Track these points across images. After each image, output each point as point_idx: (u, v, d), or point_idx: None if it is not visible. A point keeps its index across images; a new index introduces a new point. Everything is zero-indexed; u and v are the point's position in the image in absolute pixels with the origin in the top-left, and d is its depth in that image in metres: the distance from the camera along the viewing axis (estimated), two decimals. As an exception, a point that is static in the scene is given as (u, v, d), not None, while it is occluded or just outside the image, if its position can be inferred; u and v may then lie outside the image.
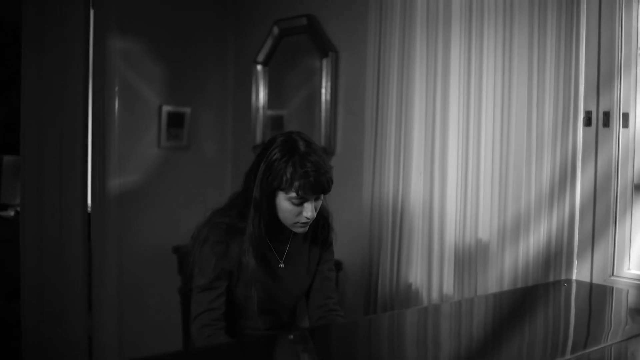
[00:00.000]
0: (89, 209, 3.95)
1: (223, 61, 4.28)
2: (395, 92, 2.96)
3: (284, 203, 2.01)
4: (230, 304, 2.12)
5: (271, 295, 2.14)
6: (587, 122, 2.44)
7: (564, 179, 2.45)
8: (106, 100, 3.79)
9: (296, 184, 1.96)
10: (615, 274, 2.42)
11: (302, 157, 1.97)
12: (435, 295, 2.85)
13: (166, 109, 4.01)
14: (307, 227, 2.10)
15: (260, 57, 3.95)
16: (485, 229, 2.67)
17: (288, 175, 1.96)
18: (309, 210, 2.02)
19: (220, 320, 2.06)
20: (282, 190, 1.99)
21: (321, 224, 2.23)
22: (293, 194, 1.98)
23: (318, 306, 2.24)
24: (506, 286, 2.58)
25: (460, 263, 2.76)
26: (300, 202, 2.00)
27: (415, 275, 2.93)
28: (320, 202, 2.08)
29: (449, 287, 2.82)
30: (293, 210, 2.02)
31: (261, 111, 4.01)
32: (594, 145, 2.43)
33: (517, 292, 2.47)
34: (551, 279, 2.47)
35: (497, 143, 2.61)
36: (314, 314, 2.25)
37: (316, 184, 1.97)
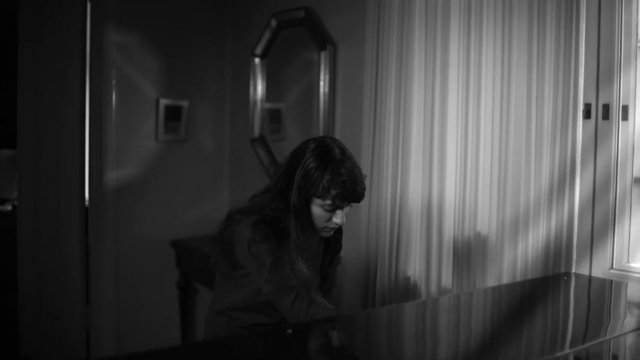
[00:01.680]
0: (87, 203, 3.95)
1: (221, 54, 4.26)
2: (394, 85, 2.95)
3: (317, 209, 2.05)
4: (241, 296, 2.12)
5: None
6: (587, 114, 2.43)
7: (564, 172, 2.44)
8: (103, 93, 3.78)
9: (333, 192, 2.00)
10: (614, 267, 2.41)
11: (338, 165, 2.01)
12: (433, 288, 2.84)
13: (163, 102, 3.99)
14: (332, 232, 2.15)
15: (258, 50, 3.93)
16: (485, 222, 2.66)
17: (325, 183, 2.00)
18: (339, 217, 2.07)
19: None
20: (319, 197, 2.02)
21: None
22: (329, 202, 2.02)
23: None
24: (505, 279, 2.57)
25: (459, 256, 2.76)
26: (333, 209, 2.05)
27: (414, 268, 2.92)
28: (348, 209, 2.11)
29: (447, 280, 2.81)
30: (324, 216, 2.06)
31: (259, 104, 3.99)
32: (594, 138, 2.42)
33: (516, 285, 2.47)
34: (550, 272, 2.46)
35: (497, 136, 2.60)
36: None
37: (353, 193, 2.03)
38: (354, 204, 2.09)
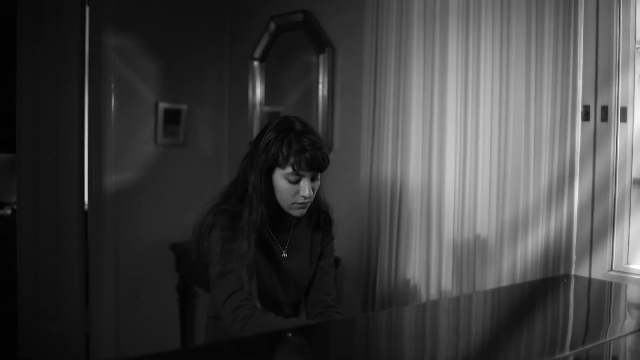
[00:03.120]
0: (86, 206, 3.95)
1: (219, 57, 4.27)
2: (393, 88, 2.95)
3: (281, 182, 2.00)
4: None
5: (275, 286, 2.13)
6: (585, 116, 2.43)
7: (563, 174, 2.44)
8: (102, 97, 3.78)
9: (292, 159, 1.96)
10: (614, 268, 2.41)
11: (298, 134, 1.98)
12: (433, 291, 2.84)
13: (162, 105, 4.00)
14: (305, 210, 2.08)
15: (257, 53, 3.94)
16: (484, 224, 2.66)
17: (284, 150, 1.96)
18: (305, 189, 2.00)
19: (249, 299, 1.99)
20: (279, 166, 1.98)
21: (323, 217, 2.24)
22: (289, 170, 1.97)
23: (316, 302, 2.23)
24: (505, 281, 2.57)
25: (458, 259, 2.76)
26: (296, 179, 2.00)
27: (414, 271, 2.92)
28: (317, 184, 2.07)
29: (447, 283, 2.81)
30: (290, 189, 2.01)
31: (258, 107, 4.00)
32: (592, 140, 2.42)
33: (516, 287, 2.47)
34: (550, 274, 2.46)
35: (495, 138, 2.60)
36: (312, 310, 2.24)
37: (312, 159, 1.97)
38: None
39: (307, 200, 2.04)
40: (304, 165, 1.97)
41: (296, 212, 2.08)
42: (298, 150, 1.96)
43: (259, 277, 2.07)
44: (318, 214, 2.22)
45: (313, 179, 2.04)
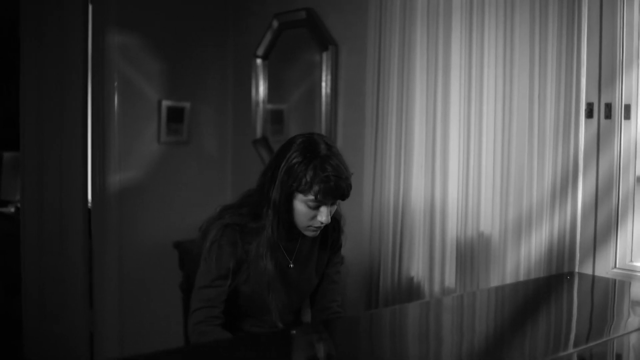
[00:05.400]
0: (90, 205, 3.95)
1: (222, 55, 4.26)
2: (396, 86, 2.95)
3: (300, 206, 1.99)
4: (234, 302, 2.12)
5: (278, 294, 2.13)
6: (589, 114, 2.43)
7: (567, 171, 2.44)
8: (105, 95, 3.78)
9: (315, 187, 1.94)
10: (618, 266, 2.41)
11: (323, 161, 1.95)
12: (437, 288, 2.84)
13: (166, 104, 4.00)
14: (318, 232, 2.09)
15: (260, 51, 3.93)
16: (488, 222, 2.66)
17: (308, 178, 1.94)
18: (324, 215, 2.00)
19: (219, 317, 2.05)
20: (301, 192, 1.97)
21: (332, 226, 2.21)
22: (311, 197, 1.96)
23: (322, 309, 2.25)
24: (509, 279, 2.57)
25: (462, 256, 2.76)
26: (316, 205, 1.98)
27: (417, 268, 2.92)
28: (335, 207, 2.06)
29: (450, 280, 2.81)
30: (308, 213, 2.00)
31: (261, 105, 4.00)
32: (596, 138, 2.42)
33: (519, 285, 2.47)
34: (554, 271, 2.46)
35: (499, 136, 2.60)
36: (318, 316, 2.25)
37: (336, 189, 1.95)
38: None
39: (322, 225, 2.04)
40: (327, 195, 1.96)
41: (309, 234, 2.08)
42: (322, 180, 1.93)
43: (263, 284, 2.08)
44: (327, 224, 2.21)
45: (332, 204, 2.03)
